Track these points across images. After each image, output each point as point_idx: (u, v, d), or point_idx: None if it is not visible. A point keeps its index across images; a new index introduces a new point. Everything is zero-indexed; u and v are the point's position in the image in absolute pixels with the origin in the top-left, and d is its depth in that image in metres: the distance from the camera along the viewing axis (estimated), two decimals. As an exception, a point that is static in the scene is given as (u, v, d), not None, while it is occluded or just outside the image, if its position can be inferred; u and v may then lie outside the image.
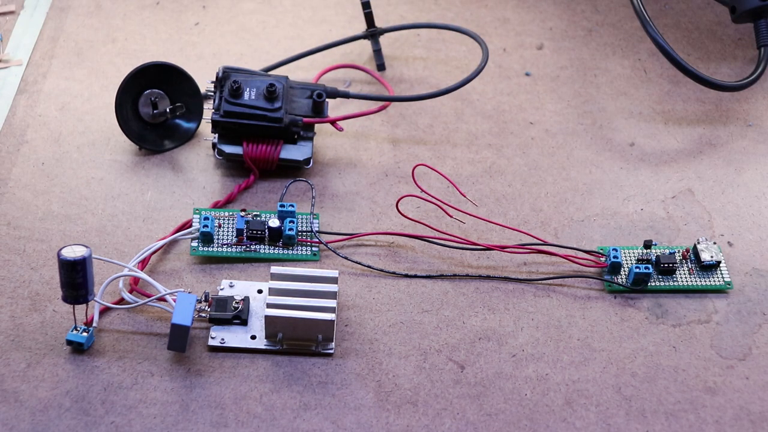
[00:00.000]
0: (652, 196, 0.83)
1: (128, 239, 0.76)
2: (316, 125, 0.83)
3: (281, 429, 0.65)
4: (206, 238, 0.75)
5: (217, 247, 0.75)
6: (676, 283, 0.76)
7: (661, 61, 0.94)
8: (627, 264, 0.76)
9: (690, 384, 0.70)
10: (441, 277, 0.76)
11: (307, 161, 0.82)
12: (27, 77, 0.89)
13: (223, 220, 0.77)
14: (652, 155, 0.87)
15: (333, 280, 0.71)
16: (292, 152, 0.82)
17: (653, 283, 0.75)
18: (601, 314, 0.74)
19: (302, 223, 0.77)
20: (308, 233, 0.77)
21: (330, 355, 0.69)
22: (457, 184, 0.80)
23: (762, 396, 0.69)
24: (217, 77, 0.81)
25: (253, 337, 0.70)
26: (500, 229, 0.79)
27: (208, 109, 0.83)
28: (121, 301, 0.71)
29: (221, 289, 0.72)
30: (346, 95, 0.84)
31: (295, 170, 0.83)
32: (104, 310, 0.71)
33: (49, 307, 0.71)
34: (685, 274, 0.76)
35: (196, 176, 0.82)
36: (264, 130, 0.80)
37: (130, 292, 0.71)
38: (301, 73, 0.91)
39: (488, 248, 0.76)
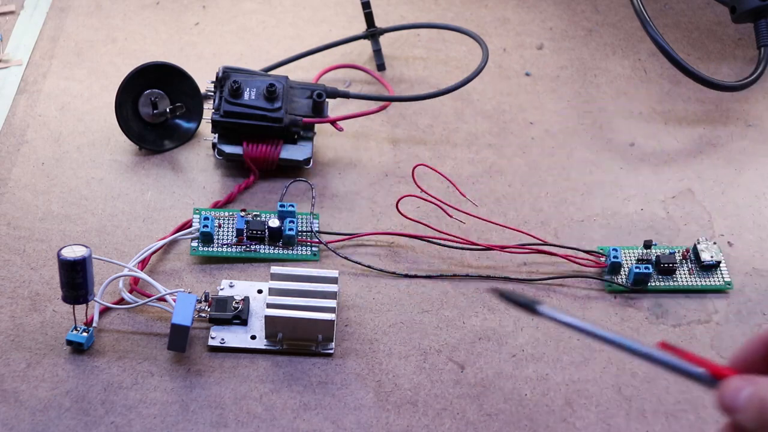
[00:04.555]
0: (652, 196, 0.83)
1: (128, 239, 0.76)
2: (316, 125, 0.83)
3: (281, 429, 0.65)
4: (206, 238, 0.75)
5: (217, 247, 0.75)
6: (676, 283, 0.76)
7: (661, 61, 0.94)
8: (627, 264, 0.76)
9: (690, 384, 0.69)
10: (441, 277, 0.76)
11: (307, 161, 0.82)
12: (27, 77, 0.89)
13: (223, 220, 0.77)
14: (652, 155, 0.87)
15: (333, 280, 0.71)
16: (292, 152, 0.82)
17: (653, 283, 0.75)
18: (601, 314, 0.74)
19: (302, 223, 0.77)
20: (308, 233, 0.77)
21: (330, 355, 0.69)
22: (457, 184, 0.80)
23: (762, 396, 0.69)
24: (217, 77, 0.81)
25: (253, 337, 0.70)
26: (500, 229, 0.79)
27: (208, 109, 0.83)
28: (121, 301, 0.71)
29: (221, 289, 0.72)
30: (346, 95, 0.84)
31: (295, 170, 0.83)
32: (104, 310, 0.71)
33: (49, 307, 0.71)
34: (685, 274, 0.76)
35: (196, 176, 0.82)
36: (264, 130, 0.80)
37: (130, 292, 0.71)
38: (301, 73, 0.91)
39: (488, 248, 0.76)
